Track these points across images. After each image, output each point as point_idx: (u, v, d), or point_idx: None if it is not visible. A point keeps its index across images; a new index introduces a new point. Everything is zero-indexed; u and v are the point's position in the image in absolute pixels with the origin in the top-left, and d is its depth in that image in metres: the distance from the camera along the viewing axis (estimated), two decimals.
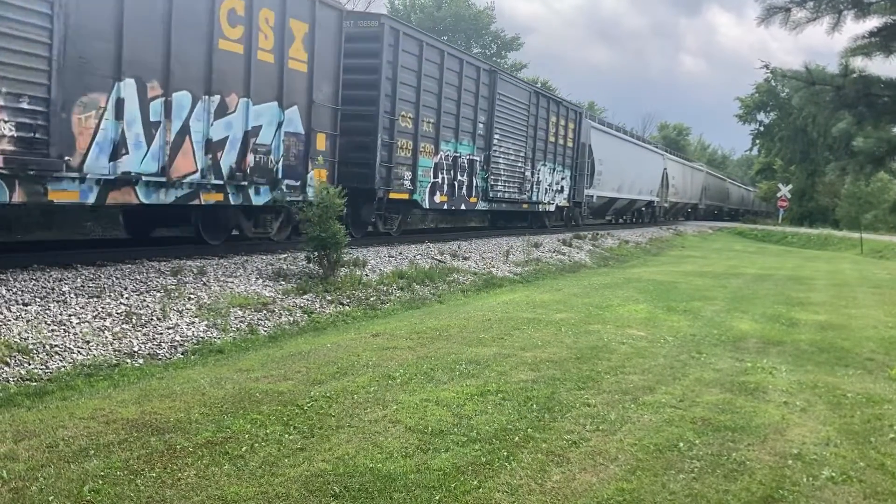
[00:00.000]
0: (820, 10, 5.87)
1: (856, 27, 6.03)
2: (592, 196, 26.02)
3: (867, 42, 6.09)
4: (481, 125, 17.09)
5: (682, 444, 4.28)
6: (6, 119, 6.73)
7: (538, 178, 20.98)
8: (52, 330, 6.07)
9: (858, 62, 6.22)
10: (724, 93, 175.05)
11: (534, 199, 20.86)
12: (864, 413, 5.12)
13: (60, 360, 5.62)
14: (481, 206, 17.63)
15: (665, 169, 37.90)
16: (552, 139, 21.83)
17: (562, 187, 23.20)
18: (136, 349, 6.16)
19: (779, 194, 45.89)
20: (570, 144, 23.60)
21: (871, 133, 6.67)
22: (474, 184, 16.90)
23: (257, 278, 9.04)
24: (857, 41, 6.13)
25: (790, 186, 47.04)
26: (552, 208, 22.53)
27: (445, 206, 15.93)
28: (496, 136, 17.76)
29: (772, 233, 37.90)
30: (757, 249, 27.85)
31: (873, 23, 6.03)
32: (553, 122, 21.75)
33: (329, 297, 8.89)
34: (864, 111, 6.34)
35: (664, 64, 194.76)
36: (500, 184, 18.35)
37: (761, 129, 56.53)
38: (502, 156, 18.32)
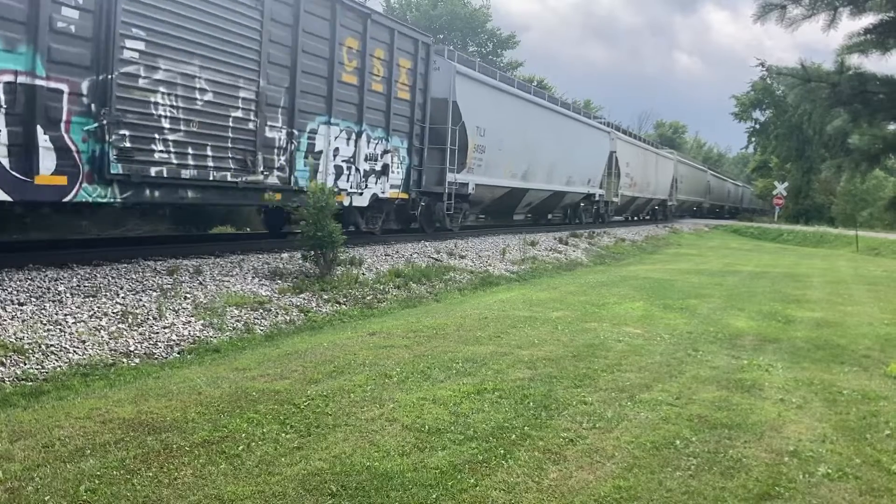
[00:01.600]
0: (815, 8, 5.87)
1: (851, 24, 6.03)
2: (467, 184, 16.46)
3: (863, 39, 6.09)
4: (69, 10, 7.37)
5: (678, 442, 4.28)
6: None
7: (309, 145, 11.09)
8: (48, 330, 6.05)
9: (854, 59, 6.22)
10: (720, 91, 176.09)
11: (299, 183, 10.81)
12: (860, 410, 5.14)
13: (56, 360, 5.61)
14: (87, 192, 7.82)
15: (614, 153, 28.45)
16: (353, 80, 11.96)
17: (385, 167, 13.26)
18: (132, 349, 6.15)
19: (775, 192, 45.96)
20: (403, 96, 13.67)
21: (867, 130, 6.67)
22: (49, 143, 7.35)
23: (253, 277, 9.03)
24: (853, 38, 6.13)
25: (786, 184, 47.12)
26: (363, 201, 12.82)
27: None
28: (134, 44, 8.16)
29: (768, 230, 37.98)
30: (753, 247, 27.90)
31: (869, 20, 6.03)
32: (353, 49, 11.88)
33: (325, 296, 8.88)
34: (859, 108, 6.34)
35: (660, 62, 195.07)
36: (161, 147, 8.65)
37: (757, 126, 56.60)
38: (166, 88, 8.63)
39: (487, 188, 18.04)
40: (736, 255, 21.76)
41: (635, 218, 36.82)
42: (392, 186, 13.70)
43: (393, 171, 13.68)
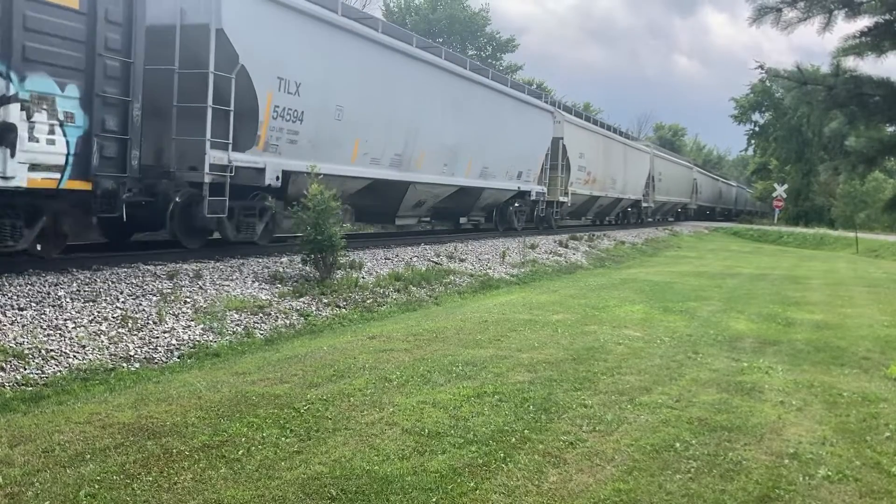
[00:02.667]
0: (811, 10, 5.90)
1: (847, 27, 6.06)
2: (264, 170, 10.39)
3: (858, 42, 6.11)
4: None
5: (678, 445, 4.29)
6: None
7: None
8: (48, 334, 6.05)
9: (850, 62, 6.25)
10: (719, 93, 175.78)
11: None
12: (860, 412, 5.14)
13: (56, 365, 5.61)
14: None
15: (560, 139, 22.49)
16: None
17: (3, 129, 6.76)
18: (132, 353, 6.16)
19: (774, 194, 46.00)
20: (65, 2, 7.13)
21: (863, 132, 6.70)
22: None
23: (253, 281, 9.03)
24: (848, 41, 6.16)
25: (786, 186, 47.16)
26: None
27: None
28: None
29: (768, 232, 38.01)
30: (753, 249, 27.90)
31: (864, 22, 6.06)
32: None
33: (325, 300, 8.89)
34: (855, 110, 6.37)
35: (659, 64, 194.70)
36: None
37: (756, 129, 56.70)
38: None
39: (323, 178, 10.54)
40: (736, 258, 21.77)
41: (607, 221, 32.25)
42: (34, 167, 7.20)
43: (32, 139, 7.12)
